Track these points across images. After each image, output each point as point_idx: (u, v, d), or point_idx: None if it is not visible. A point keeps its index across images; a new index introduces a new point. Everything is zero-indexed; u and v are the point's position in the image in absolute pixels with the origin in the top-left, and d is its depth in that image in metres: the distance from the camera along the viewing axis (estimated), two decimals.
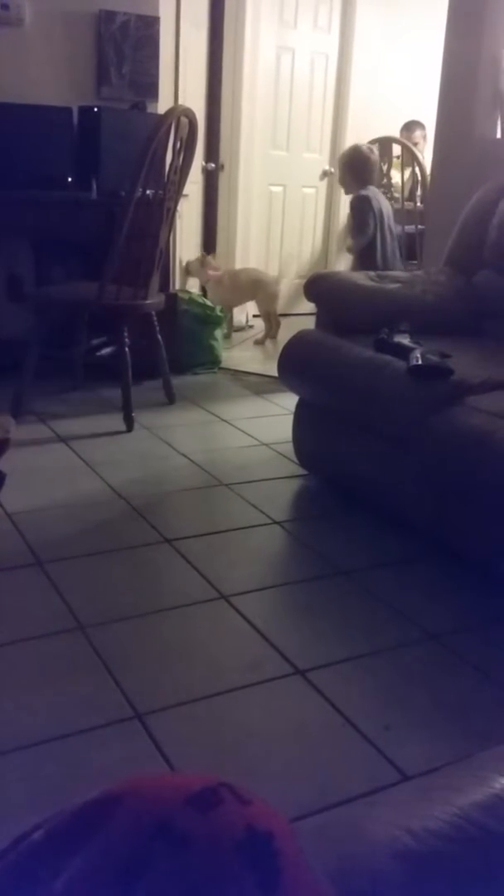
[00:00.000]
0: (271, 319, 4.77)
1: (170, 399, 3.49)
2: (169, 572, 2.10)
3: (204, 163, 4.72)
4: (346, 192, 4.32)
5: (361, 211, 4.13)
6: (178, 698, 1.58)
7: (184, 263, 4.64)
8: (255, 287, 4.70)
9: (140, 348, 3.25)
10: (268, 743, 1.49)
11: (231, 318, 4.84)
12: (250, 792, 0.43)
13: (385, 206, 4.23)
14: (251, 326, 5.14)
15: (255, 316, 5.12)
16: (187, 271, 4.64)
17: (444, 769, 0.70)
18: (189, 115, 3.08)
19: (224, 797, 0.42)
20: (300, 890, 0.41)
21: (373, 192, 4.20)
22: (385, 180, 4.98)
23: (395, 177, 5.00)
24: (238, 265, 4.99)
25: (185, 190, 3.49)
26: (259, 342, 4.77)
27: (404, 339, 2.38)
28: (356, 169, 4.18)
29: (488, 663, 1.74)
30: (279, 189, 5.35)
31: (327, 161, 5.48)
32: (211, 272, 4.58)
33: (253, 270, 4.88)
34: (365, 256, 4.16)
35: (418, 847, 0.56)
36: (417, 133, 5.34)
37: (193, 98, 4.32)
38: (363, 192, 4.16)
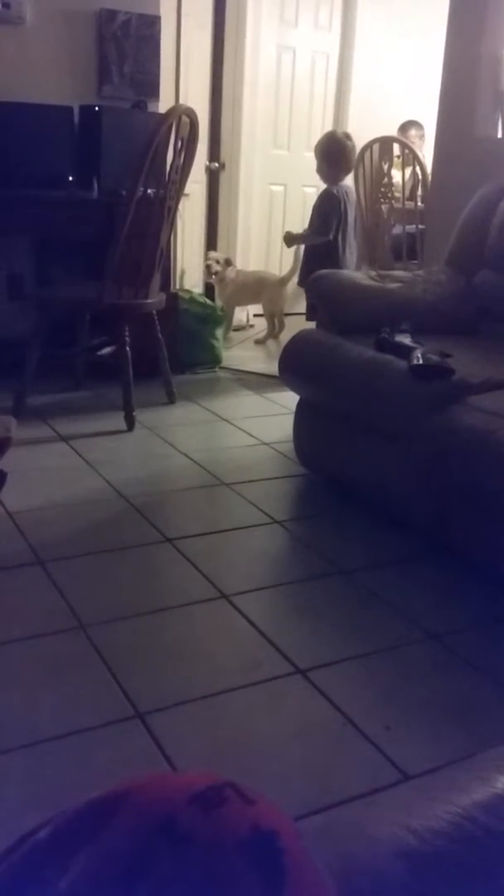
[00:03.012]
0: (275, 320, 4.77)
1: (170, 398, 3.49)
2: (170, 571, 2.10)
3: (207, 162, 4.72)
4: (325, 182, 4.09)
5: (326, 212, 3.97)
6: (179, 697, 1.58)
7: (209, 259, 4.62)
8: (261, 287, 4.70)
9: (141, 347, 3.25)
10: (268, 742, 1.49)
11: (231, 317, 4.84)
12: (255, 791, 0.43)
13: (351, 207, 4.08)
14: (251, 326, 5.15)
15: (255, 315, 5.12)
16: (214, 275, 4.61)
17: (445, 769, 0.71)
18: (190, 114, 3.08)
19: (228, 796, 0.42)
20: (305, 889, 0.41)
21: (342, 190, 4.04)
22: (385, 180, 4.97)
23: (396, 176, 4.99)
24: (238, 265, 4.99)
25: (188, 189, 3.49)
26: (260, 342, 4.77)
27: (405, 339, 2.39)
28: (333, 157, 3.98)
29: (489, 663, 1.74)
30: (280, 188, 5.35)
31: None
32: (228, 272, 4.60)
33: (259, 271, 4.88)
34: (319, 255, 3.97)
35: (420, 846, 0.56)
36: (412, 132, 5.33)
37: (194, 97, 4.32)
38: (333, 191, 4.00)
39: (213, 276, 4.63)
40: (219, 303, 4.55)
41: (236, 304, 4.81)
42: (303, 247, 4.45)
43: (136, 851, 0.40)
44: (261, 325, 4.93)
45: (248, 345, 4.76)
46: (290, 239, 4.29)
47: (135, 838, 0.40)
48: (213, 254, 4.69)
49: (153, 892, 0.38)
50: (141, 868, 0.39)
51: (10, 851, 0.44)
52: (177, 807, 0.41)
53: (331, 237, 4.00)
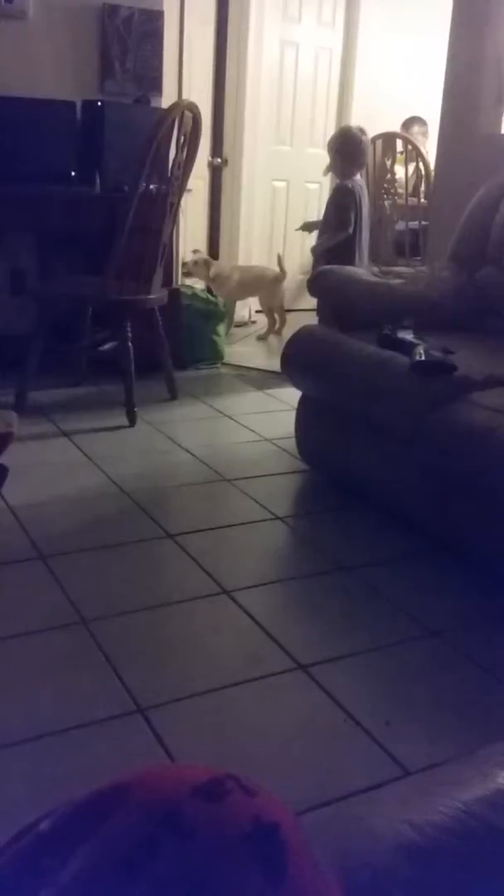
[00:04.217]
0: (276, 315, 4.76)
1: (172, 394, 3.49)
2: (171, 567, 2.10)
3: (210, 158, 4.71)
4: (338, 177, 4.02)
5: (345, 206, 3.90)
6: (180, 692, 1.58)
7: (184, 267, 4.57)
8: (259, 283, 4.69)
9: (143, 343, 3.25)
10: (269, 737, 1.49)
11: (232, 313, 4.83)
12: (256, 784, 0.43)
13: (365, 202, 4.03)
14: (254, 322, 5.14)
15: (257, 311, 5.11)
16: (187, 273, 4.57)
17: (446, 764, 0.71)
18: (193, 109, 3.08)
19: (230, 788, 0.42)
20: (306, 881, 0.41)
21: (357, 183, 4.00)
22: (389, 176, 4.97)
23: (399, 172, 4.99)
24: (241, 261, 4.99)
25: (190, 185, 3.49)
26: (262, 338, 4.77)
27: (407, 335, 2.38)
28: (348, 151, 3.93)
29: (490, 660, 1.74)
30: (282, 184, 5.34)
31: None
32: (214, 270, 4.54)
33: (257, 266, 4.87)
34: (336, 253, 3.86)
35: (421, 841, 0.56)
36: (416, 129, 5.32)
37: (197, 92, 4.31)
38: (348, 184, 3.94)
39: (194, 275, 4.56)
40: (219, 299, 4.54)
41: (236, 299, 4.80)
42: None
43: (139, 842, 0.40)
44: (263, 321, 4.92)
45: (249, 341, 4.76)
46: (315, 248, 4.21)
47: (137, 829, 0.40)
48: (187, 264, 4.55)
49: (155, 884, 0.39)
50: (143, 859, 0.39)
51: (11, 844, 0.44)
52: (179, 798, 0.41)
53: (350, 231, 3.92)
